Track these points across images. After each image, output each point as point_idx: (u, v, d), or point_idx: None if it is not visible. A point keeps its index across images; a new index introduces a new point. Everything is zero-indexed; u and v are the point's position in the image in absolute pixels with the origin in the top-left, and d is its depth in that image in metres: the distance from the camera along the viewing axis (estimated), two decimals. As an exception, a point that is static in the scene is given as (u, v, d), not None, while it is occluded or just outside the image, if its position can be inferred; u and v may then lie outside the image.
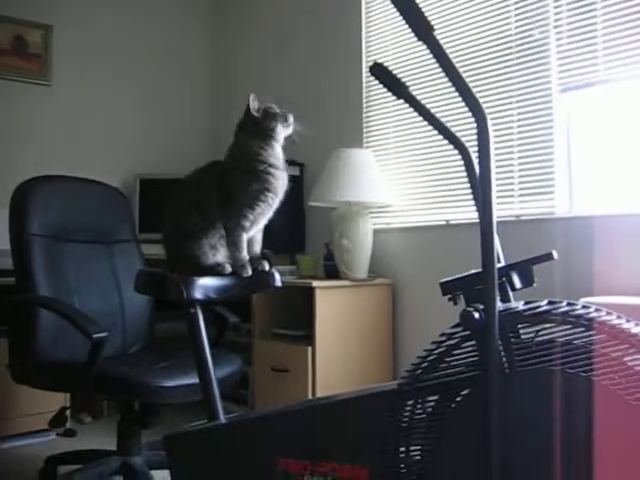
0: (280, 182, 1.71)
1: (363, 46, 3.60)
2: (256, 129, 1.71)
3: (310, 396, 2.90)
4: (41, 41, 3.93)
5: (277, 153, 1.73)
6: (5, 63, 3.81)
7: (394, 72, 1.65)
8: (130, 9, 4.37)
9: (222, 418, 1.63)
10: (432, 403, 1.33)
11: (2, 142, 3.79)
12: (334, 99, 3.77)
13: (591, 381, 1.16)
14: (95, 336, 2.05)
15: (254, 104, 1.72)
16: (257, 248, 1.78)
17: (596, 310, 1.21)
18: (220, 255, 1.70)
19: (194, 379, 1.70)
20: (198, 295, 1.60)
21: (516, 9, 2.86)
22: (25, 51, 3.88)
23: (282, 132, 1.73)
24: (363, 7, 3.61)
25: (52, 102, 3.99)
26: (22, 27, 3.87)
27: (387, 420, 1.35)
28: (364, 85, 3.58)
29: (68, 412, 2.73)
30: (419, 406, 1.34)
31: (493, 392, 1.17)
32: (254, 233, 1.74)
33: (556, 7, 2.72)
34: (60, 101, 4.02)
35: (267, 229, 1.81)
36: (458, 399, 1.30)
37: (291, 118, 1.75)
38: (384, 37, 3.48)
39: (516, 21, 2.86)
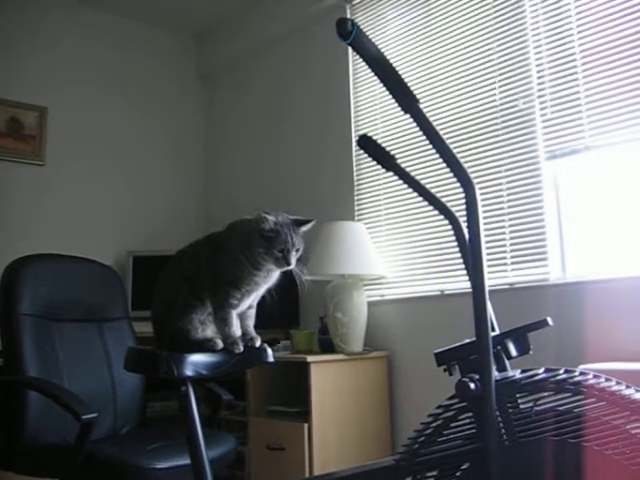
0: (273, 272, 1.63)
1: (352, 119, 3.65)
2: (261, 241, 1.58)
3: (307, 474, 2.81)
4: (35, 122, 3.99)
5: None
6: (0, 144, 3.86)
7: (382, 144, 1.68)
8: (122, 91, 4.46)
9: (215, 501, 1.57)
10: (431, 479, 1.29)
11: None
12: (325, 173, 3.81)
13: (594, 450, 1.13)
14: (84, 417, 1.99)
15: (265, 225, 1.57)
16: (250, 323, 1.73)
17: (595, 377, 1.18)
18: (209, 330, 1.66)
19: (187, 460, 1.64)
20: (189, 372, 1.56)
21: (500, 81, 2.93)
22: (20, 132, 3.94)
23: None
24: (351, 80, 3.69)
25: (45, 181, 4.02)
26: (17, 109, 3.94)
27: (385, 498, 1.31)
28: (354, 158, 3.62)
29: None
30: (418, 482, 1.29)
31: (493, 465, 1.13)
32: (245, 309, 1.70)
33: (539, 77, 2.79)
34: (53, 180, 4.05)
35: (260, 304, 1.77)
36: (458, 474, 1.26)
37: (302, 245, 1.62)
38: (373, 109, 3.54)
39: (500, 92, 2.93)
